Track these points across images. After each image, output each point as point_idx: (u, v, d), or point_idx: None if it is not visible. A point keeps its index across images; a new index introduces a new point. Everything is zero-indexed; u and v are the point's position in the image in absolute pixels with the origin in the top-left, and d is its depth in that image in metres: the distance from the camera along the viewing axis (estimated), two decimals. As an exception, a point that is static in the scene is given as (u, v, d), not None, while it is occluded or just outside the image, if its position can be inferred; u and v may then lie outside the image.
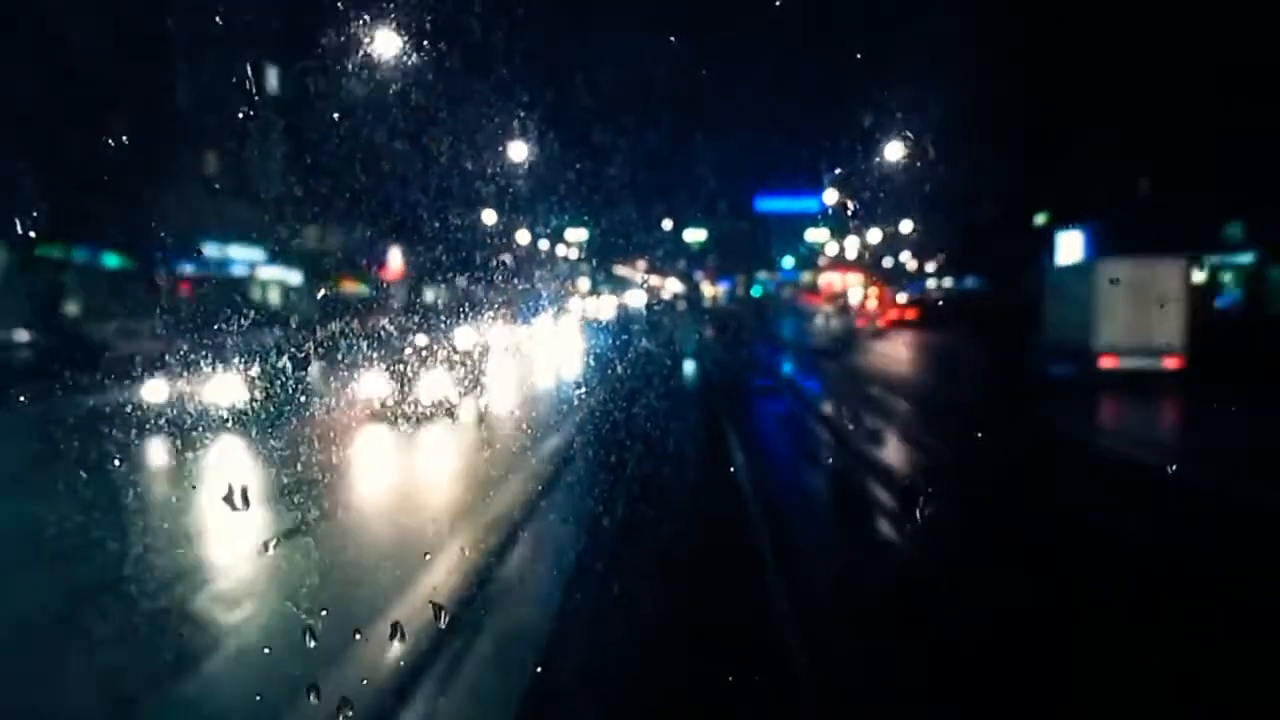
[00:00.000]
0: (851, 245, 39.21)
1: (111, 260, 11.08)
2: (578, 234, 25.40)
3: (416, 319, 10.27)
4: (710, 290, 38.14)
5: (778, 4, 10.99)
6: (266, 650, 5.70)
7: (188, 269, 10.53)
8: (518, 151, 14.07)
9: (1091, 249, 22.27)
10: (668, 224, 30.29)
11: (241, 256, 14.85)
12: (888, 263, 39.65)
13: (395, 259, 17.35)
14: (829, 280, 37.28)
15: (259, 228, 12.39)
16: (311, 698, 4.06)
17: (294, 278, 14.20)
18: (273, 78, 11.47)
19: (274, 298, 14.60)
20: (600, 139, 16.22)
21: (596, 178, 17.23)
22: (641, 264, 34.75)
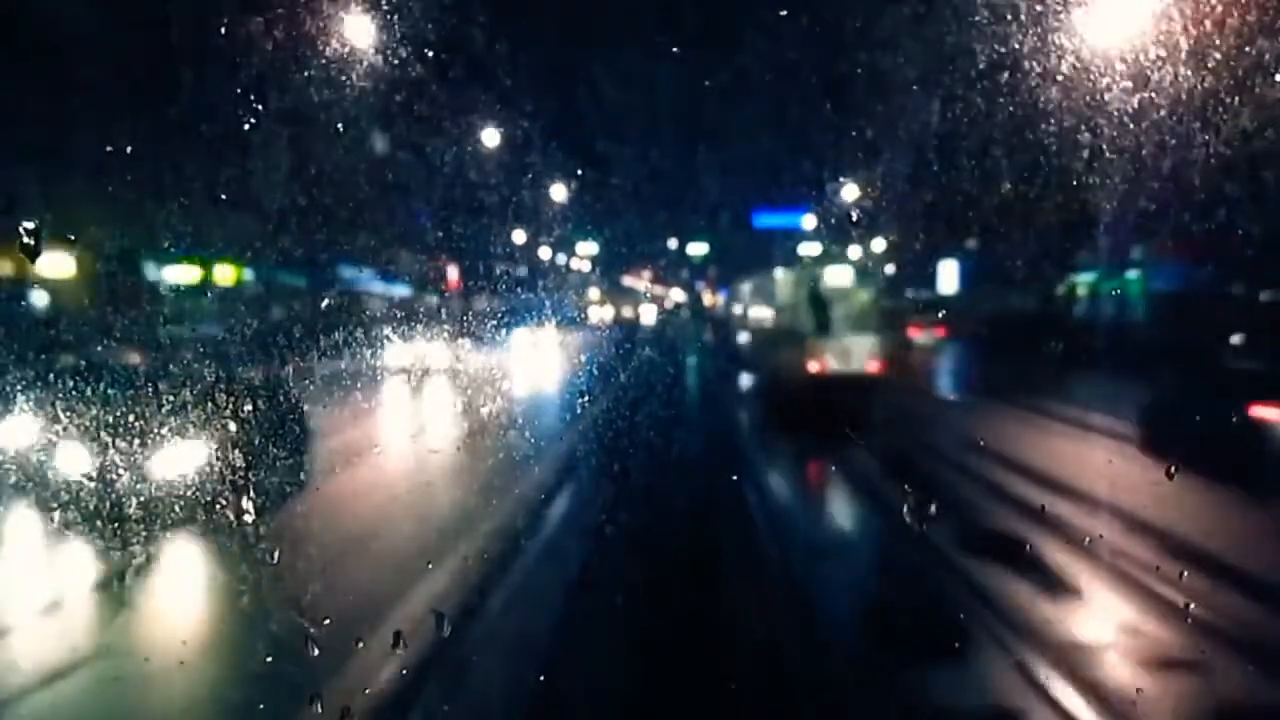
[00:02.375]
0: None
1: (284, 278, 15.01)
2: (588, 247, 28.20)
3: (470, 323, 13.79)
4: (710, 299, 42.19)
5: (782, 13, 11.34)
6: None
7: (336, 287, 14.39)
8: (544, 173, 17.15)
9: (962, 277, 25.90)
10: (673, 242, 33.78)
11: (355, 274, 19.00)
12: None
13: (453, 274, 21.44)
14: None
15: (368, 250, 16.36)
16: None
17: (397, 290, 18.31)
18: (380, 141, 15.51)
19: (379, 307, 18.72)
20: (613, 156, 18.69)
21: (607, 195, 18.95)
22: (647, 274, 38.02)
